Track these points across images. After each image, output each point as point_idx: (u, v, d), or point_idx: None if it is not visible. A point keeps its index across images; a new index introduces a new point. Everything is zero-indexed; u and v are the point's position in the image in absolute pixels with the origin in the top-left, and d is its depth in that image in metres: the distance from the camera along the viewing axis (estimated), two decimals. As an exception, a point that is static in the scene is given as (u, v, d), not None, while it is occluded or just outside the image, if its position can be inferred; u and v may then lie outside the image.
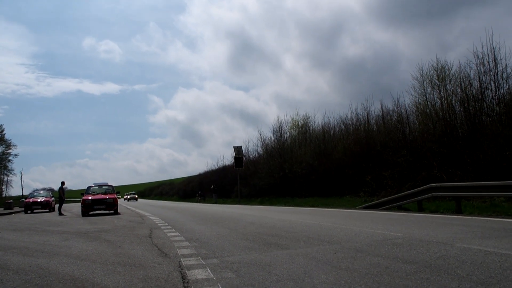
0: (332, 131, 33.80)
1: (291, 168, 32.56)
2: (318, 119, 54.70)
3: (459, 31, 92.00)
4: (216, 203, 38.57)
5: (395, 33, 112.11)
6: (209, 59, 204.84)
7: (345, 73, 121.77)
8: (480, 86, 19.90)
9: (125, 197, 78.41)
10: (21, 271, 4.90)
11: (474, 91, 20.29)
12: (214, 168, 57.35)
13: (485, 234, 6.63)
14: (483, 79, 19.75)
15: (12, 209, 31.07)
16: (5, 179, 68.48)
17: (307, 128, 37.50)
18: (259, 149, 44.47)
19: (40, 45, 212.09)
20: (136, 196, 73.71)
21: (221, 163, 55.50)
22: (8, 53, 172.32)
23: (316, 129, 36.53)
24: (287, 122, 39.75)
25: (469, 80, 20.51)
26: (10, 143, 67.24)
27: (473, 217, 10.43)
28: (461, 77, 21.02)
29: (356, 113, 30.82)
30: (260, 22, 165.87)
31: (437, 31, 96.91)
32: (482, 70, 19.64)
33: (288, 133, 39.64)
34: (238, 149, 39.10)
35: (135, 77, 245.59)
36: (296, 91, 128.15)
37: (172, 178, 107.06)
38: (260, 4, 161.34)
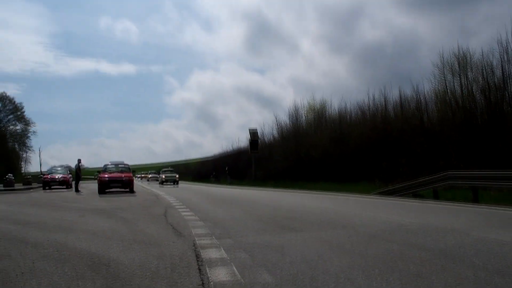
0: (348, 116, 33.54)
1: (306, 152, 32.46)
2: (334, 104, 54.12)
3: (483, 16, 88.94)
4: (230, 184, 38.77)
5: (417, 18, 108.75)
6: (225, 41, 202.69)
7: (363, 58, 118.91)
8: (503, 75, 19.46)
9: (150, 176, 54.25)
10: (39, 245, 5.01)
11: (496, 80, 19.85)
12: (229, 150, 57.51)
13: (502, 224, 6.55)
14: (506, 68, 19.31)
15: (31, 185, 31.73)
16: (24, 155, 69.70)
17: (323, 112, 37.26)
18: (275, 132, 44.46)
19: (57, 24, 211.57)
20: (177, 176, 39.98)
21: (236, 145, 55.64)
22: (28, 31, 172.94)
23: (332, 114, 36.31)
24: (303, 106, 39.56)
25: (492, 69, 20.08)
26: (29, 121, 68.23)
27: (490, 207, 10.27)
28: (483, 65, 20.56)
29: (374, 99, 30.52)
30: (277, 4, 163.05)
31: (460, 16, 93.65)
32: (506, 58, 19.20)
33: (304, 117, 39.49)
34: (253, 132, 39.02)
35: (151, 57, 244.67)
36: (313, 75, 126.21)
37: (188, 158, 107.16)
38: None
